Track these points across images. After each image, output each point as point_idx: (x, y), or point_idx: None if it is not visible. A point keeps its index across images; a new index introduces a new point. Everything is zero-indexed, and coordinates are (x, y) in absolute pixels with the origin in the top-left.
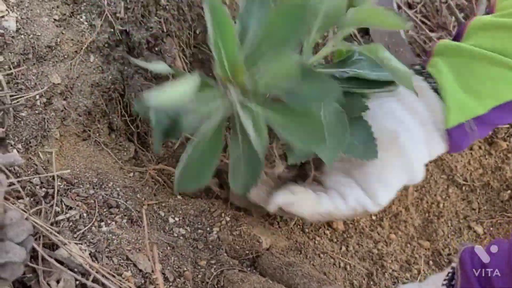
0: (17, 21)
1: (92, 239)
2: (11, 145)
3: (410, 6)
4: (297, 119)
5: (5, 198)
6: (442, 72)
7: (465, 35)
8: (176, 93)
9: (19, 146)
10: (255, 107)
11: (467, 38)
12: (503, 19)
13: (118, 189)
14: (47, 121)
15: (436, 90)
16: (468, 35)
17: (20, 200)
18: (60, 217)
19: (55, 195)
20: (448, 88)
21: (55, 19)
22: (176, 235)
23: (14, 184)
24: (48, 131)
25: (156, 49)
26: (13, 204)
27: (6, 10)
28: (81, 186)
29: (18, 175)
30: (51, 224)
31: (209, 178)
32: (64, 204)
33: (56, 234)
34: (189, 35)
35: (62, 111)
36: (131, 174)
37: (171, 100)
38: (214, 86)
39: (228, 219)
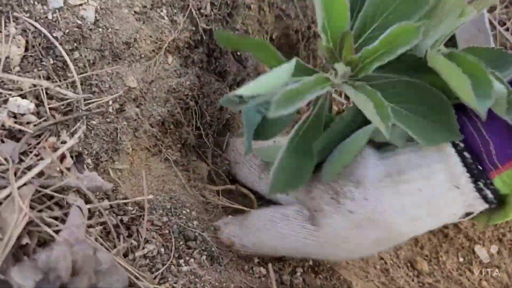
0: (96, 11)
1: (175, 283)
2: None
3: (500, 23)
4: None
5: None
6: None
7: None
8: (271, 80)
9: (89, 161)
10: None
11: None
12: None
13: (193, 216)
14: (119, 132)
15: None
16: None
17: (91, 230)
18: (138, 253)
19: (143, 226)
20: None
21: (135, 11)
22: (257, 275)
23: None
24: (120, 144)
25: (238, 53)
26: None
27: None
28: (154, 212)
29: (87, 197)
30: (130, 263)
31: (306, 179)
32: (140, 235)
33: (140, 277)
34: (266, 39)
35: (135, 120)
36: (204, 197)
37: (266, 88)
38: (312, 71)
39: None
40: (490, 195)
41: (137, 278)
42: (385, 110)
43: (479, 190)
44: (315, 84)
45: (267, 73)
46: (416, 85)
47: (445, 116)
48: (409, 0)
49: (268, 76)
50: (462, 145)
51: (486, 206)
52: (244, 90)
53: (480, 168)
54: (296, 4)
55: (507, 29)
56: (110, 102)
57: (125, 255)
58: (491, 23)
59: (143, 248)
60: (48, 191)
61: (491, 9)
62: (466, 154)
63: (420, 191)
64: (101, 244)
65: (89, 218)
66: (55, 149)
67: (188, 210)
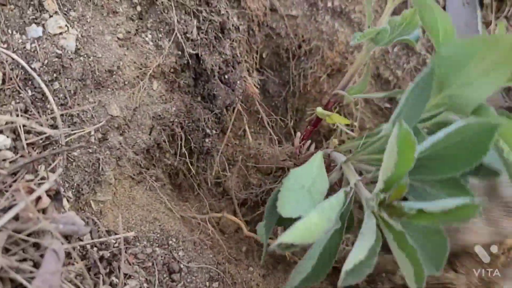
0: (77, 40)
1: None
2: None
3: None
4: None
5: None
6: None
7: None
8: (312, 227)
9: (69, 194)
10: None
11: None
12: None
13: (180, 246)
14: (102, 162)
15: None
16: None
17: (71, 268)
18: None
19: (122, 264)
20: None
21: (118, 38)
22: None
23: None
24: (102, 175)
25: (226, 76)
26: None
27: (66, 26)
28: (138, 244)
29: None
30: None
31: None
32: (122, 272)
33: None
34: (255, 58)
35: (118, 149)
36: (193, 223)
37: (308, 237)
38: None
39: None
40: None
41: None
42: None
43: None
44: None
45: (307, 218)
46: None
47: None
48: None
49: (308, 222)
50: None
51: None
52: (285, 238)
53: None
54: (286, 23)
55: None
56: (92, 132)
57: None
58: None
59: (125, 284)
60: (22, 236)
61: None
62: None
63: None
64: (81, 284)
65: (68, 254)
66: (31, 190)
67: (174, 239)
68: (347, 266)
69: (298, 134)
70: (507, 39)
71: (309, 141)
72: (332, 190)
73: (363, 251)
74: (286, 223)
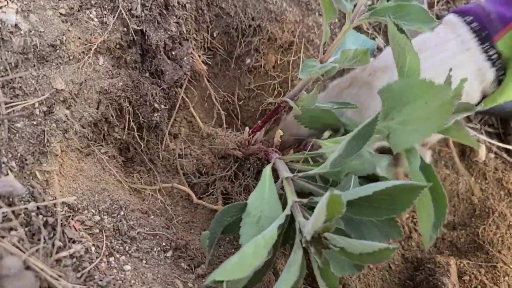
0: (17, 14)
1: (101, 280)
2: (4, 163)
3: None
4: None
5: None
6: None
7: None
8: (246, 262)
9: (13, 164)
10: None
11: None
12: None
13: (129, 214)
14: (47, 134)
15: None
16: None
17: (14, 232)
18: (62, 254)
19: (58, 225)
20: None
21: (61, 13)
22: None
23: (6, 213)
24: (47, 146)
25: (173, 53)
26: (3, 238)
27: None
28: (86, 212)
29: (11, 200)
30: (52, 263)
31: None
32: (67, 236)
33: (58, 278)
34: (205, 37)
35: (64, 122)
36: (142, 195)
37: (242, 271)
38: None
39: None
40: (494, 55)
41: (54, 279)
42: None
43: (486, 51)
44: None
45: (244, 250)
46: None
47: None
48: None
49: (242, 257)
50: (469, 18)
51: (494, 70)
52: (218, 275)
53: (486, 31)
54: (235, 3)
55: None
56: (37, 105)
57: (48, 255)
58: None
59: (69, 248)
60: None
61: (431, 5)
62: (473, 24)
63: (434, 56)
64: (17, 247)
65: (13, 220)
66: None
67: (123, 208)
68: None
69: (247, 128)
70: (447, 91)
71: (259, 132)
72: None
73: (288, 284)
74: (232, 232)
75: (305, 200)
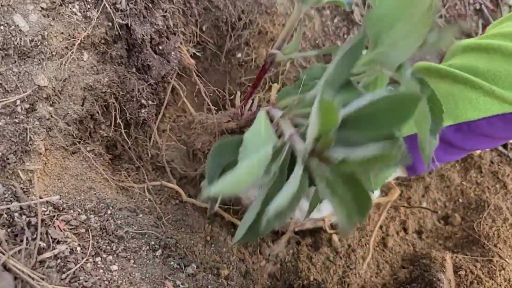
0: None
1: (86, 281)
2: None
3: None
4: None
5: None
6: None
7: (448, 56)
8: (242, 176)
9: None
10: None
11: (447, 60)
12: (479, 41)
13: (116, 213)
14: (30, 132)
15: None
16: (449, 56)
17: None
18: (46, 254)
19: (39, 226)
20: None
21: (42, 8)
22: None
23: None
24: (30, 145)
25: (160, 47)
26: None
27: None
28: (72, 211)
29: None
30: (34, 265)
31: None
32: (51, 236)
33: (40, 280)
34: (194, 32)
35: (48, 119)
36: (130, 193)
37: (239, 185)
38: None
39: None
40: None
41: (35, 280)
42: None
43: None
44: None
45: (239, 167)
46: None
47: None
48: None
49: (236, 174)
50: None
51: None
52: (214, 188)
53: None
54: None
55: (440, 16)
56: (18, 102)
57: (30, 256)
58: None
59: (53, 248)
60: None
61: None
62: None
63: None
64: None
65: None
66: None
67: (110, 207)
68: (270, 211)
69: (238, 93)
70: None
71: (251, 101)
72: None
73: (286, 197)
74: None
75: (302, 129)
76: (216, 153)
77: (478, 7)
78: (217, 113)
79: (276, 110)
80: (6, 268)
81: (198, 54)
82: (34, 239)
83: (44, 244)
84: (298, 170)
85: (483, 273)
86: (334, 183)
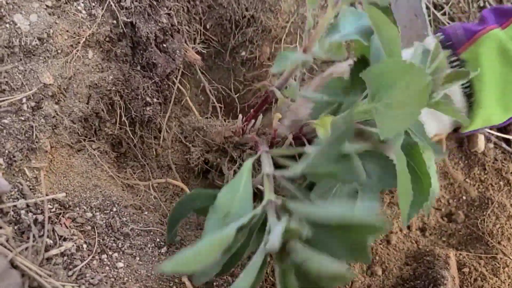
0: (1, 7)
1: (92, 278)
2: None
3: (436, 7)
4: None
5: None
6: (485, 84)
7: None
8: (202, 254)
9: (0, 161)
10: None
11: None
12: None
13: (122, 210)
14: (36, 130)
15: (466, 93)
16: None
17: (2, 231)
18: (53, 252)
19: (46, 223)
20: (487, 107)
21: (47, 6)
22: None
23: None
24: (36, 142)
25: (164, 45)
26: None
27: None
28: (78, 209)
29: None
30: (41, 262)
31: None
32: (57, 234)
33: (47, 276)
34: (198, 29)
35: (53, 117)
36: (135, 190)
37: (196, 264)
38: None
39: None
40: (456, 62)
41: (42, 278)
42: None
43: (451, 62)
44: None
45: (198, 245)
46: None
47: None
48: None
49: (199, 249)
50: (440, 34)
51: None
52: (170, 266)
53: (450, 42)
54: None
55: (444, 13)
56: (24, 100)
57: (37, 254)
58: (427, 8)
59: (60, 246)
60: None
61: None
62: (443, 41)
63: None
64: (4, 246)
65: (1, 218)
66: None
67: (116, 205)
68: None
69: (240, 116)
70: (426, 75)
71: (253, 120)
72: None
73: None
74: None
75: (279, 201)
76: (186, 200)
77: (482, 4)
78: (222, 117)
79: (267, 159)
80: (13, 265)
81: (202, 52)
82: (41, 236)
83: (51, 241)
84: (258, 258)
85: (487, 270)
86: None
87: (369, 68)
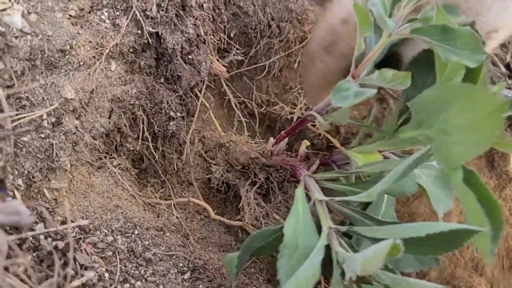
0: (23, 16)
1: None
2: (10, 182)
3: None
4: None
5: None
6: None
7: None
8: None
9: (20, 181)
10: None
11: None
12: None
13: (144, 233)
14: (56, 148)
15: None
16: None
17: (20, 259)
18: (75, 283)
19: (71, 256)
20: None
21: (70, 15)
22: None
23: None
24: (56, 161)
25: (190, 57)
26: (7, 269)
27: (10, 1)
28: (98, 232)
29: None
30: None
31: None
32: (78, 262)
33: None
34: (222, 38)
35: (74, 133)
36: (157, 209)
37: None
38: None
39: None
40: None
41: None
42: None
43: None
44: None
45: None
46: None
47: None
48: None
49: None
50: None
51: None
52: None
53: None
54: (254, 1)
55: None
56: (44, 116)
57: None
58: None
59: (81, 276)
60: None
61: None
62: None
63: None
64: (24, 282)
65: (20, 245)
66: None
67: (138, 227)
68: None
69: (271, 139)
70: (494, 99)
71: (282, 142)
72: None
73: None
74: (261, 255)
75: (343, 228)
76: (250, 241)
77: None
78: (247, 133)
79: (313, 184)
80: None
81: (225, 62)
82: (63, 266)
83: (72, 272)
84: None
85: None
86: None
87: (420, 95)
